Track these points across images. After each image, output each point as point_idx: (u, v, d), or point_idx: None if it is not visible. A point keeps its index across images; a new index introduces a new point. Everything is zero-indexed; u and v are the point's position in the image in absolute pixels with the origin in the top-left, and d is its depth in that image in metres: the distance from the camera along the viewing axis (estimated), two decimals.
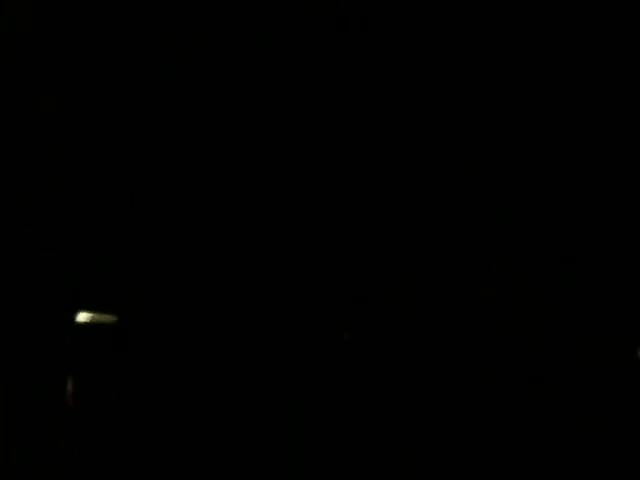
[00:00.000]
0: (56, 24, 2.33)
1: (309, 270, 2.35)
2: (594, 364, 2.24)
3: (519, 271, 2.33)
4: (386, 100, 2.36)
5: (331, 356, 2.33)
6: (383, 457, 2.26)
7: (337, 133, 2.37)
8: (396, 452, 2.26)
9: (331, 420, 2.30)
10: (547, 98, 2.35)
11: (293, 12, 2.32)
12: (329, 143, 2.37)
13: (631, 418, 2.21)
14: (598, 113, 2.33)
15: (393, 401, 2.30)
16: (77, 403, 2.24)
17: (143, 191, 2.33)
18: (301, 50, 2.34)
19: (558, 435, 2.23)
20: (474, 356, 2.28)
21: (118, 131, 2.36)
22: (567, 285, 2.30)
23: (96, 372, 2.26)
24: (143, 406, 2.27)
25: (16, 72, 2.31)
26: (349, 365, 2.32)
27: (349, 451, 2.27)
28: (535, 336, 2.28)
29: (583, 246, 2.32)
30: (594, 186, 2.34)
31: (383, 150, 2.38)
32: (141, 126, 2.36)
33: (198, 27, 2.34)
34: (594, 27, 2.29)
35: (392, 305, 2.32)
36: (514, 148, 2.36)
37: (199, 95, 2.37)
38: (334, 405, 2.31)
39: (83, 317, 2.26)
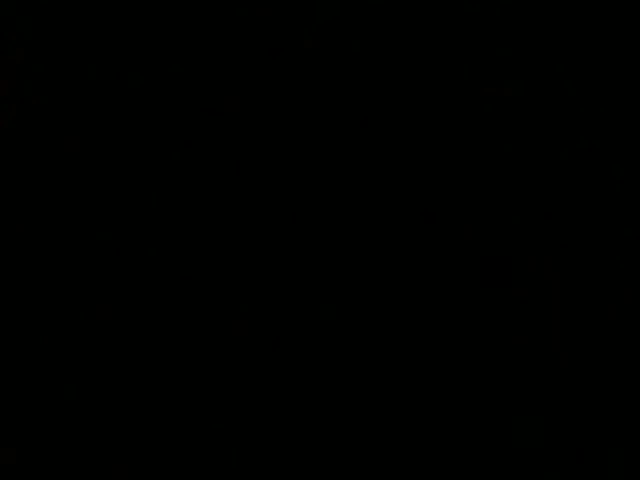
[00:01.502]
0: (56, 24, 2.34)
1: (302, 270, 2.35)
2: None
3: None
4: (385, 100, 2.37)
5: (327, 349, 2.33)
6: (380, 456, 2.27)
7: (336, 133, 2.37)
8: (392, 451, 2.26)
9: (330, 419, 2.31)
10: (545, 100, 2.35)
11: (293, 12, 2.32)
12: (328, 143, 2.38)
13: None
14: (598, 114, 2.33)
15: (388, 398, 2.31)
16: None
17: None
18: (301, 50, 2.34)
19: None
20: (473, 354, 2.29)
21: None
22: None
23: None
24: None
25: (16, 72, 2.31)
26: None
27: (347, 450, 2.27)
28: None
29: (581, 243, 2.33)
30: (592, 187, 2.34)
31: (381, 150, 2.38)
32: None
33: (198, 27, 2.34)
34: (593, 27, 2.30)
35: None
36: (513, 150, 2.36)
37: (198, 95, 2.37)
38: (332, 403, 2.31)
39: None
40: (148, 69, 2.38)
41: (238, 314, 2.36)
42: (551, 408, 2.26)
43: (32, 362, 2.28)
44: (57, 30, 2.35)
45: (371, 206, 2.38)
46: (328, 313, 2.33)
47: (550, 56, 2.34)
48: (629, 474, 2.18)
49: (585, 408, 2.24)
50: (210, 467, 2.27)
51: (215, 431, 2.30)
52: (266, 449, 2.27)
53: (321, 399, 2.33)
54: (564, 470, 2.21)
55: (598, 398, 2.24)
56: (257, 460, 2.27)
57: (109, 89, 2.37)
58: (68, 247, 2.34)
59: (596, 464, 2.20)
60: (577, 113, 2.34)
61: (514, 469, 2.22)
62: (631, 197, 2.33)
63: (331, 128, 2.39)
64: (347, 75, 2.37)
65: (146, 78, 2.38)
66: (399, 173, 2.39)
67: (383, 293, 2.34)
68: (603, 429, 2.22)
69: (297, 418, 2.31)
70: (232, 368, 2.34)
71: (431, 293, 2.33)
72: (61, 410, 2.27)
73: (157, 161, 2.37)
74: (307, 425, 2.30)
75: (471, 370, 2.28)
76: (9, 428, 2.25)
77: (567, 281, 2.32)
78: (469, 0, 2.34)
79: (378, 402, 2.32)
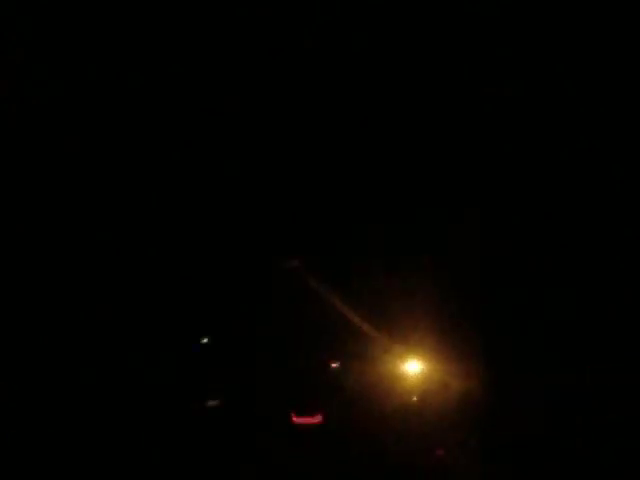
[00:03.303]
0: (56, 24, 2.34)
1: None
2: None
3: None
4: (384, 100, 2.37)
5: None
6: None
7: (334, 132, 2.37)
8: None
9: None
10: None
11: (292, 13, 2.32)
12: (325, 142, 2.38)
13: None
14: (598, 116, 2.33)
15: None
16: None
17: None
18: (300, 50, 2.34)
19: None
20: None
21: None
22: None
23: None
24: None
25: (17, 74, 2.31)
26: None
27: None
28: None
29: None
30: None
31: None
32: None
33: (197, 27, 2.34)
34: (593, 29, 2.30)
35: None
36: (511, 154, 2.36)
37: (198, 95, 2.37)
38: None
39: None
40: (148, 69, 2.37)
41: (238, 314, 2.35)
42: (551, 407, 2.25)
43: (32, 361, 2.28)
44: (57, 30, 2.34)
45: (370, 205, 2.38)
46: (327, 313, 2.33)
47: (550, 56, 2.34)
48: (629, 474, 2.18)
49: (584, 408, 2.24)
50: (210, 466, 2.27)
51: (215, 431, 2.30)
52: (265, 449, 2.27)
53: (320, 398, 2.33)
54: (565, 470, 2.21)
55: (598, 398, 2.24)
56: (256, 459, 2.27)
57: (109, 89, 2.37)
58: (68, 246, 2.34)
59: (596, 464, 2.19)
60: (577, 113, 2.34)
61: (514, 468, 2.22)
62: (631, 197, 2.32)
63: (331, 127, 2.39)
64: (347, 75, 2.37)
65: (146, 78, 2.37)
66: (399, 172, 2.39)
67: (382, 292, 2.33)
68: (603, 429, 2.22)
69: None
70: (231, 367, 2.34)
71: (431, 292, 2.33)
72: (59, 408, 2.27)
73: (157, 161, 2.37)
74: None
75: (471, 369, 2.28)
76: (9, 427, 2.24)
77: (567, 281, 2.32)
78: (469, 0, 2.34)
79: (377, 401, 2.32)
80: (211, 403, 2.30)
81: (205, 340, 2.35)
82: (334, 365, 2.35)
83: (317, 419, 2.29)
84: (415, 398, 2.32)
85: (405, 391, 2.33)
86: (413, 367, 2.33)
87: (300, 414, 2.29)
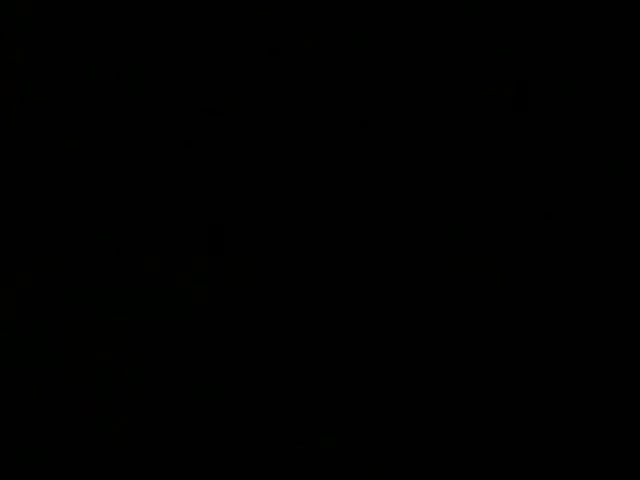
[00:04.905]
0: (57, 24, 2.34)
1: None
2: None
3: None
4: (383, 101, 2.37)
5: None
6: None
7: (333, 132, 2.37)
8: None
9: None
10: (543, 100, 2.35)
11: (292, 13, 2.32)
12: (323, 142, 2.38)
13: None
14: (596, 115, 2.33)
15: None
16: None
17: None
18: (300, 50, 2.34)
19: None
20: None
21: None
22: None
23: None
24: None
25: (17, 73, 2.32)
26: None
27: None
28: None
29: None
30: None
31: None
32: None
33: (197, 27, 2.35)
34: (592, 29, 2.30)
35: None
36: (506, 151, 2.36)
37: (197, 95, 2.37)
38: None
39: None
40: (148, 69, 2.37)
41: (237, 313, 2.35)
42: (548, 407, 2.26)
43: (32, 365, 2.28)
44: (57, 30, 2.35)
45: (370, 205, 2.38)
46: (327, 314, 2.33)
47: (550, 56, 2.34)
48: (629, 474, 2.18)
49: (584, 408, 2.24)
50: (210, 466, 2.27)
51: (215, 431, 2.30)
52: (265, 449, 2.27)
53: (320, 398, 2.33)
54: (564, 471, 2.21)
55: (596, 397, 2.24)
56: (255, 459, 2.27)
57: (109, 89, 2.37)
58: (68, 247, 2.34)
59: (596, 464, 2.19)
60: (577, 113, 2.34)
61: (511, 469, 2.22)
62: (631, 197, 2.33)
63: (331, 128, 2.39)
64: (347, 75, 2.37)
65: (146, 78, 2.38)
66: (399, 173, 2.40)
67: (378, 291, 2.33)
68: (602, 429, 2.22)
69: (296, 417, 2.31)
70: (231, 367, 2.34)
71: (433, 292, 2.33)
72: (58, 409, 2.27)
73: (157, 161, 2.37)
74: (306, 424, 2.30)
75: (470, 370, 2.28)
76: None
77: (566, 280, 2.32)
78: (469, 0, 2.34)
79: (377, 401, 2.32)
80: None
81: None
82: None
83: None
84: None
85: None
86: None
87: None
